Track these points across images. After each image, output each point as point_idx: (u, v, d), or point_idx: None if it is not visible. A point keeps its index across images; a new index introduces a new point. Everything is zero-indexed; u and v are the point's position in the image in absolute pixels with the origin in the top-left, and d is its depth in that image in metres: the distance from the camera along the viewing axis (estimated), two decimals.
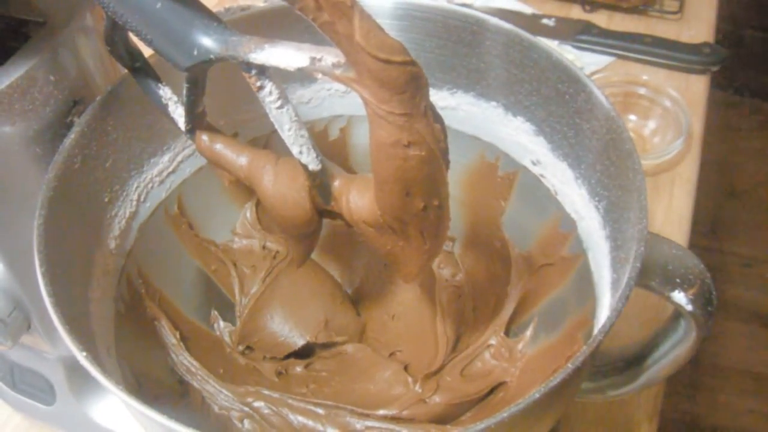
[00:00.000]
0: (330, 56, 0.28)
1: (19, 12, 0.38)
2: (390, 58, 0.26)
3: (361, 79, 0.27)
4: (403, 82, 0.27)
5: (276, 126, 0.33)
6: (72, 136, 0.38)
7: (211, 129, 0.39)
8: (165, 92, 0.38)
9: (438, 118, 0.30)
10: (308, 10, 0.26)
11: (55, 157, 0.37)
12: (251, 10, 0.44)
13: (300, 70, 0.29)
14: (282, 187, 0.36)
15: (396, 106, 0.28)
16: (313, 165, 0.33)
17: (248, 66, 0.31)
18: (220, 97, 0.43)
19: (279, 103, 0.32)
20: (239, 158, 0.38)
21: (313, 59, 0.28)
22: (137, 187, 0.43)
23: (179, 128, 0.38)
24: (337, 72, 0.28)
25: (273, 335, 0.49)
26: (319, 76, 0.29)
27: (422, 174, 0.30)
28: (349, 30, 0.26)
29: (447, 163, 0.31)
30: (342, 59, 0.27)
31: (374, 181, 0.32)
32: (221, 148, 0.38)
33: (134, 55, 0.38)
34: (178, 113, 0.38)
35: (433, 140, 0.29)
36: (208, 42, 0.31)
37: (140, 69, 0.38)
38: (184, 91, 0.36)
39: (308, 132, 0.33)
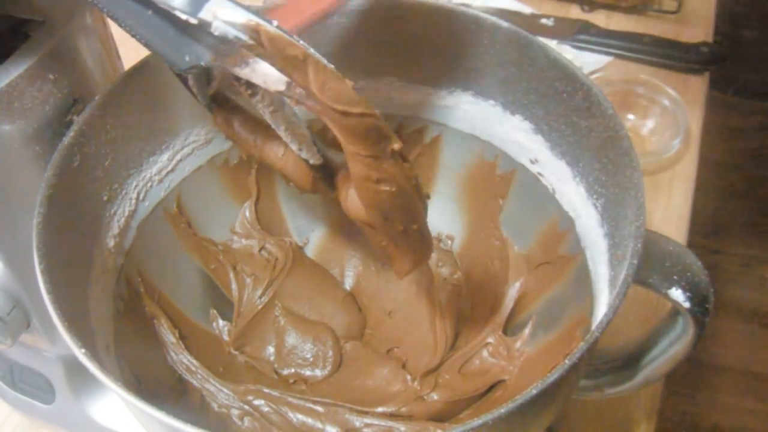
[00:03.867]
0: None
1: (18, 11, 0.39)
2: (347, 109, 0.27)
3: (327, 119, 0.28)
4: (363, 130, 0.28)
5: (273, 127, 0.33)
6: (71, 134, 0.38)
7: (229, 105, 0.39)
8: None
9: (406, 159, 0.30)
10: (264, 57, 0.26)
11: (54, 155, 0.37)
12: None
13: (279, 93, 0.29)
14: (289, 172, 0.37)
15: (361, 148, 0.28)
16: (314, 160, 0.34)
17: (236, 76, 0.31)
18: None
19: (272, 108, 0.32)
20: (253, 138, 0.38)
21: (289, 84, 0.29)
22: (136, 185, 0.44)
23: (199, 101, 0.38)
24: (310, 103, 0.28)
25: (263, 355, 0.49)
26: (294, 102, 0.29)
27: (395, 206, 0.31)
28: (305, 81, 0.26)
29: (422, 196, 0.32)
30: None
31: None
32: (237, 126, 0.38)
33: None
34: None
35: (402, 178, 0.30)
36: (199, 49, 0.31)
37: None
38: (192, 82, 0.36)
39: (308, 128, 0.33)
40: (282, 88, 0.29)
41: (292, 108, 0.33)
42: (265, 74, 0.29)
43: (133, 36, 0.32)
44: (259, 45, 0.26)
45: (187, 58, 0.31)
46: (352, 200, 0.34)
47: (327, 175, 0.35)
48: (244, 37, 0.26)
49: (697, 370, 1.25)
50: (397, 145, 0.29)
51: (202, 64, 0.31)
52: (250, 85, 0.31)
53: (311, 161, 0.34)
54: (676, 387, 1.23)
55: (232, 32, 0.26)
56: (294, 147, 0.33)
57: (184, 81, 0.38)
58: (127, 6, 0.32)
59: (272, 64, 0.27)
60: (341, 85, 0.27)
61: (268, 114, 0.32)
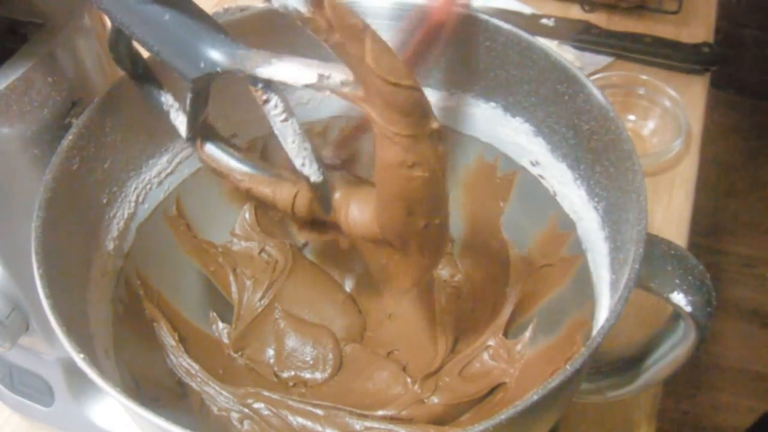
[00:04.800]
0: (338, 74, 0.28)
1: (17, 13, 0.38)
2: (399, 81, 0.27)
3: (370, 99, 0.27)
4: (410, 105, 0.27)
5: (279, 138, 0.33)
6: (70, 137, 0.38)
7: (213, 137, 0.38)
8: (167, 99, 0.38)
9: (441, 141, 0.30)
10: (320, 32, 0.26)
11: (53, 158, 0.37)
12: (250, 11, 0.44)
13: (307, 86, 0.29)
14: (282, 204, 0.37)
15: (403, 127, 0.28)
16: (315, 177, 0.33)
17: (255, 80, 0.31)
18: (218, 99, 0.43)
19: (284, 116, 0.32)
20: (239, 172, 0.38)
21: (321, 76, 0.28)
22: (135, 188, 0.43)
23: (180, 135, 0.38)
24: (346, 90, 0.28)
25: (263, 357, 0.49)
26: (327, 93, 0.29)
27: (425, 194, 0.31)
28: (360, 52, 0.26)
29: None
30: (350, 77, 0.28)
31: (377, 201, 0.32)
32: (222, 159, 0.38)
33: (137, 62, 0.38)
34: (180, 120, 0.38)
35: (436, 162, 0.30)
36: (215, 55, 0.31)
37: (142, 76, 0.38)
38: (188, 101, 0.36)
39: (311, 144, 0.33)
40: (314, 80, 0.28)
41: (299, 121, 0.33)
42: (292, 70, 0.29)
43: (144, 45, 0.32)
44: (320, 15, 0.26)
45: (201, 65, 0.31)
46: (354, 217, 0.34)
47: (324, 196, 0.34)
48: (303, 8, 0.26)
49: (697, 370, 1.25)
50: (436, 125, 0.29)
51: (218, 70, 0.31)
52: (266, 89, 0.31)
53: (312, 178, 0.33)
54: (677, 387, 1.23)
55: (292, 4, 0.26)
56: (297, 162, 0.33)
57: (166, 116, 0.38)
58: (141, 13, 0.31)
59: (326, 39, 0.26)
60: (394, 57, 0.27)
61: (278, 124, 0.32)
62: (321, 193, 0.34)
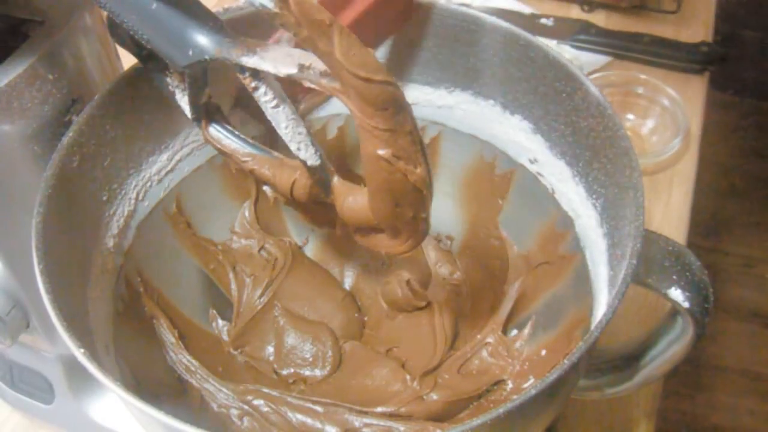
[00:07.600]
0: (319, 65, 0.28)
1: (18, 11, 0.39)
2: (370, 76, 0.27)
3: (346, 92, 0.28)
4: (384, 100, 0.28)
5: (273, 125, 0.33)
6: (70, 134, 0.38)
7: (218, 118, 0.39)
8: (172, 80, 0.38)
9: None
10: (289, 26, 0.26)
11: (53, 155, 0.37)
12: (249, 9, 0.44)
13: (289, 76, 0.29)
14: (282, 187, 0.37)
15: (380, 121, 0.28)
16: (312, 161, 0.34)
17: (242, 68, 0.31)
18: (218, 96, 0.44)
19: (275, 102, 0.32)
20: (243, 153, 0.38)
21: (301, 67, 0.29)
22: (135, 185, 0.44)
23: (186, 116, 0.38)
24: (324, 81, 0.28)
25: (263, 355, 0.49)
26: (307, 83, 0.29)
27: (408, 187, 0.31)
28: (329, 47, 0.26)
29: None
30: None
31: (368, 190, 0.32)
32: (226, 140, 0.38)
33: (140, 44, 0.38)
34: (185, 101, 0.38)
35: (417, 157, 0.30)
36: (202, 42, 0.31)
37: (147, 57, 0.38)
38: (186, 85, 0.36)
39: (306, 128, 0.33)
40: (294, 70, 0.29)
41: (292, 105, 0.33)
42: (275, 59, 0.29)
43: (134, 33, 0.33)
44: (287, 10, 0.26)
45: (190, 53, 0.31)
46: (350, 202, 0.34)
47: (323, 179, 0.34)
48: (270, 4, 0.26)
49: (697, 370, 1.25)
50: (411, 119, 0.29)
51: (206, 57, 0.31)
52: (254, 77, 0.31)
53: (309, 162, 0.34)
54: (676, 387, 1.23)
55: (259, 0, 0.26)
56: (293, 147, 0.33)
57: (173, 96, 0.38)
58: (128, 1, 0.32)
59: (296, 34, 0.26)
60: (365, 52, 0.27)
61: (269, 110, 0.32)
62: (319, 176, 0.34)
